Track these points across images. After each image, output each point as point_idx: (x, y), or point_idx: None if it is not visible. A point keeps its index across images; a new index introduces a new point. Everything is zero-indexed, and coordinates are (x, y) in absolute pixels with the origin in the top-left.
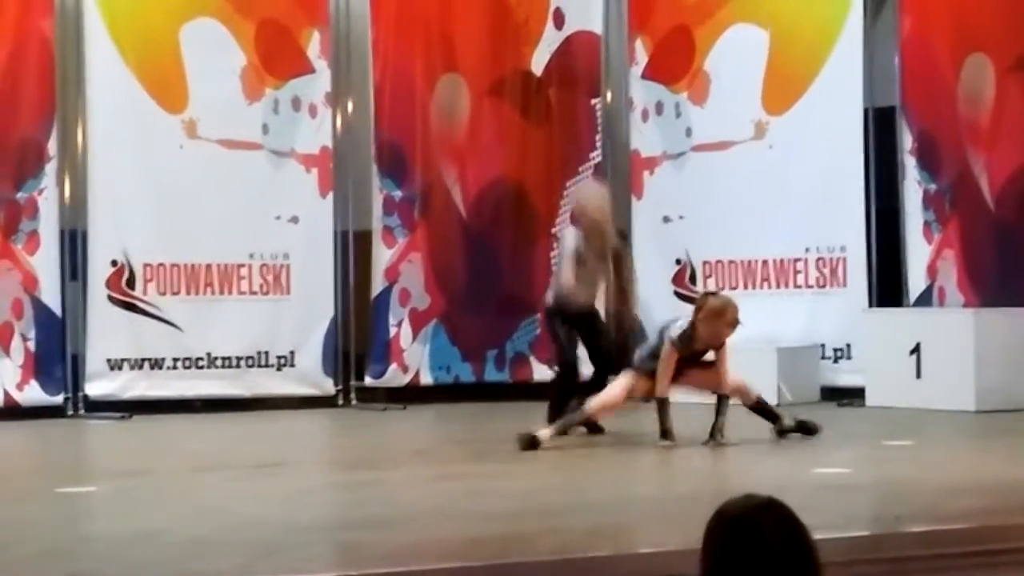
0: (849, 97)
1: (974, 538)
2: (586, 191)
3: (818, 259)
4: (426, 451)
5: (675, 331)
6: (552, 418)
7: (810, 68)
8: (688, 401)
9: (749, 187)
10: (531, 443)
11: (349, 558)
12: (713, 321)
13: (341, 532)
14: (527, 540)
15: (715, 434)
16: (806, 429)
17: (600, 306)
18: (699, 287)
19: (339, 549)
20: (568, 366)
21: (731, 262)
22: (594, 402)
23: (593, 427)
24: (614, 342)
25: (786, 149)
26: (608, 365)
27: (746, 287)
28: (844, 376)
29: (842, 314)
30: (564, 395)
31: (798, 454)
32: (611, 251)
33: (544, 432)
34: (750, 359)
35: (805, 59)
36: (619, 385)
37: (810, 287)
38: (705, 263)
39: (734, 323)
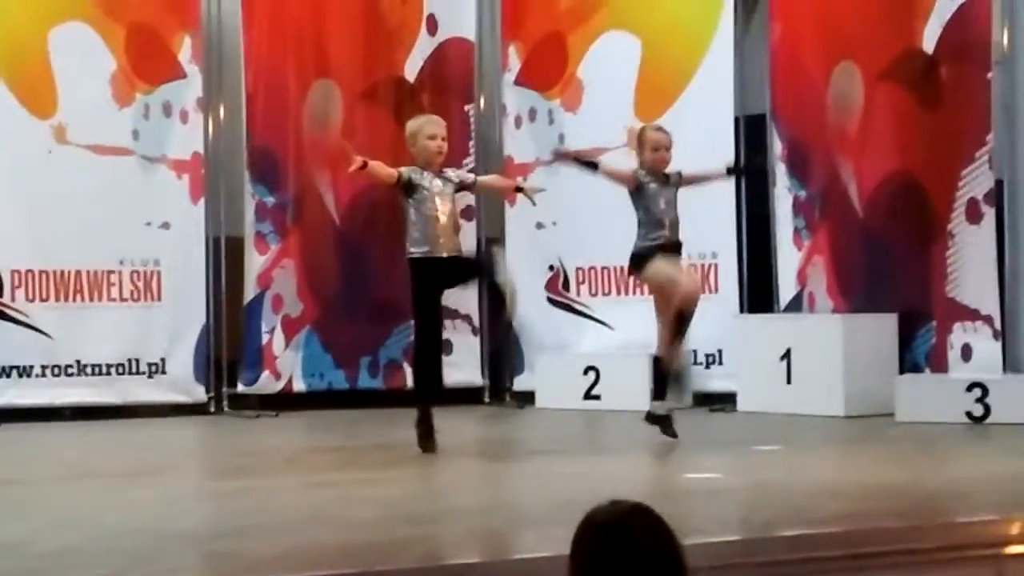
0: (720, 104)
1: (844, 541)
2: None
3: (690, 265)
4: (298, 458)
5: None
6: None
7: (682, 75)
8: (567, 407)
9: (622, 193)
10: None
11: (219, 567)
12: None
13: (211, 541)
14: (398, 547)
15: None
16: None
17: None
18: (572, 293)
19: (209, 558)
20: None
21: (604, 268)
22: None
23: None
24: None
25: None
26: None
27: (619, 293)
28: (716, 382)
29: (713, 320)
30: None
31: (668, 460)
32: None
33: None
34: (623, 365)
35: (677, 66)
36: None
37: None
38: (578, 269)
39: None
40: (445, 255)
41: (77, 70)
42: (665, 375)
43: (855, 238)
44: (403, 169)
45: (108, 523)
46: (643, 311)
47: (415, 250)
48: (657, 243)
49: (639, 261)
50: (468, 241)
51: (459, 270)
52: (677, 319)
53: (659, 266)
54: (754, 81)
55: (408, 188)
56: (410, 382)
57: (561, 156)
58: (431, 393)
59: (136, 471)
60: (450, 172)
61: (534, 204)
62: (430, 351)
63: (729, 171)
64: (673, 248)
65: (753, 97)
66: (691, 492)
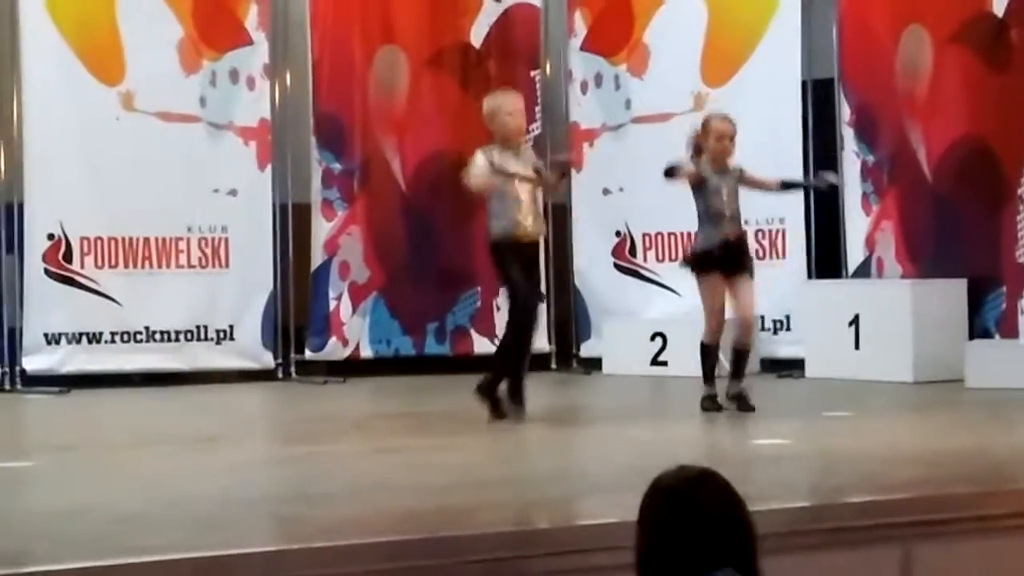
0: (787, 69)
1: (913, 508)
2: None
3: (757, 231)
4: (365, 425)
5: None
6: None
7: (749, 40)
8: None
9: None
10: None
11: (286, 532)
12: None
13: (279, 507)
14: (464, 513)
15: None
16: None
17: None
18: (639, 259)
19: (276, 523)
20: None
21: (671, 234)
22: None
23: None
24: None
25: None
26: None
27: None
28: (784, 348)
29: (781, 286)
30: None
31: (736, 426)
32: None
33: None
34: (692, 331)
35: (744, 31)
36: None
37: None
38: (645, 235)
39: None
40: (526, 240)
41: (144, 37)
42: (713, 364)
43: (924, 203)
44: (482, 155)
45: (177, 489)
46: None
47: (498, 232)
48: (718, 244)
49: (697, 263)
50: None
51: (531, 265)
52: (733, 355)
53: (710, 288)
54: (822, 45)
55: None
56: (477, 348)
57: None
58: (507, 371)
59: (204, 437)
60: (527, 150)
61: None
62: (523, 328)
63: (784, 185)
64: (736, 247)
65: (821, 61)
66: (759, 458)
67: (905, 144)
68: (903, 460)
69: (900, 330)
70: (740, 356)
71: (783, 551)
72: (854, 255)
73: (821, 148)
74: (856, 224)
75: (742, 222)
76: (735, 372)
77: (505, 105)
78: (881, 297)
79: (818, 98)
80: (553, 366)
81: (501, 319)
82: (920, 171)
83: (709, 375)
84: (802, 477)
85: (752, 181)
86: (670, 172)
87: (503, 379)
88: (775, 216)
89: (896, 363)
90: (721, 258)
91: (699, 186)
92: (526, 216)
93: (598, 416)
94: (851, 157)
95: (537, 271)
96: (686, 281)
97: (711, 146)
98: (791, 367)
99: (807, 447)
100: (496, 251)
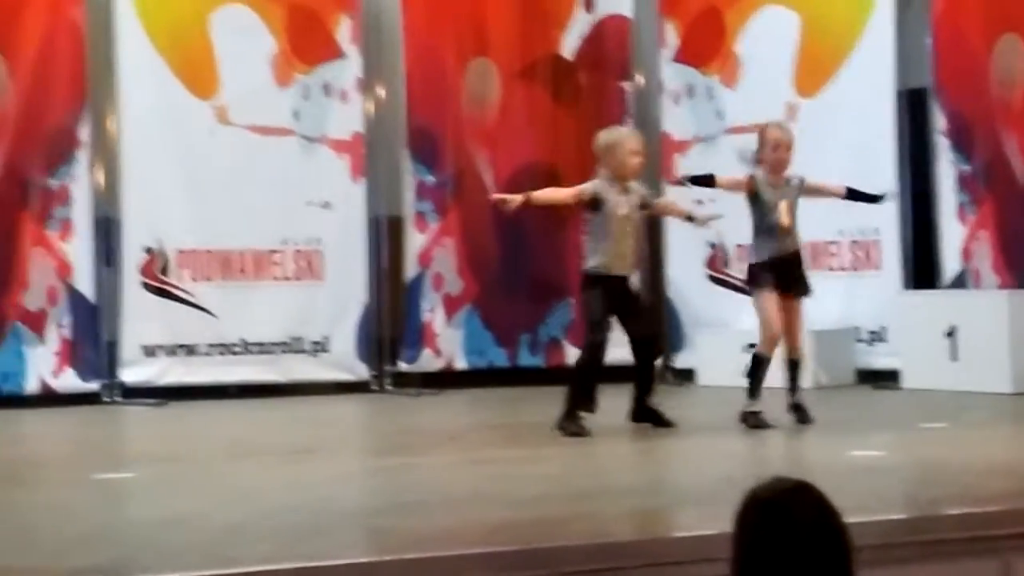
0: (881, 78)
1: (1013, 520)
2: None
3: (852, 242)
4: (459, 436)
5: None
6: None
7: (841, 50)
8: (722, 384)
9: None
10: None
11: (381, 544)
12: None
13: (374, 518)
14: (559, 525)
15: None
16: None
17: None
18: (732, 271)
19: (372, 535)
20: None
21: None
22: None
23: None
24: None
25: (818, 131)
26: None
27: None
28: (879, 359)
29: (877, 297)
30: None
31: (831, 437)
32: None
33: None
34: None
35: (837, 41)
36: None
37: (844, 270)
38: (738, 246)
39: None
40: (621, 274)
41: (238, 52)
42: (762, 378)
43: (1020, 212)
44: (588, 186)
45: (273, 500)
46: None
47: (593, 265)
48: (771, 259)
49: (751, 278)
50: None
51: (628, 303)
52: (787, 366)
53: (764, 302)
54: (915, 54)
55: (594, 204)
56: (570, 359)
57: (679, 183)
58: (583, 405)
59: (300, 449)
60: (635, 186)
61: (708, 227)
62: (594, 367)
63: (849, 193)
64: (790, 265)
65: (914, 70)
66: (855, 470)
67: (1001, 153)
68: (1001, 472)
69: (998, 341)
70: (793, 366)
71: (879, 563)
72: (950, 265)
73: (915, 158)
74: (952, 234)
75: (799, 238)
76: (791, 384)
77: (630, 143)
78: (978, 308)
79: (912, 107)
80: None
81: None
82: (1016, 180)
83: (756, 388)
84: (898, 489)
85: (816, 188)
86: (695, 180)
87: (579, 406)
88: (869, 227)
89: (994, 374)
90: (774, 274)
91: (753, 196)
92: (623, 253)
93: (692, 427)
94: (946, 166)
95: (636, 305)
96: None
97: (767, 156)
98: (887, 378)
99: (903, 459)
100: (586, 283)
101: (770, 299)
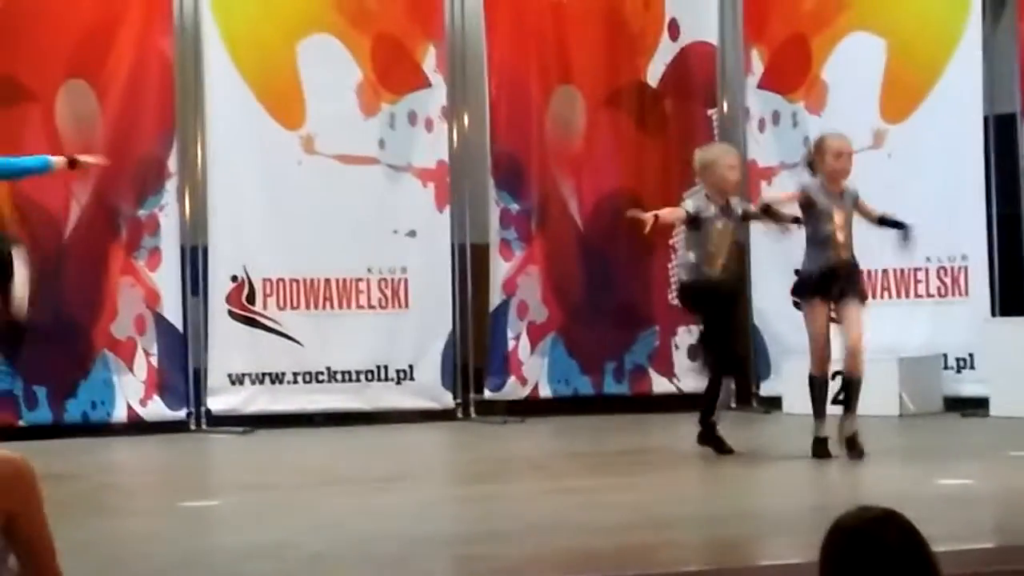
0: (969, 104)
1: None
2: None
3: (939, 268)
4: (545, 464)
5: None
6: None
7: (929, 75)
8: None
9: (868, 196)
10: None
11: (467, 572)
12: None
13: (460, 546)
14: (645, 553)
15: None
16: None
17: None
18: None
19: (457, 563)
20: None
21: None
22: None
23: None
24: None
25: (905, 157)
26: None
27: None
28: (967, 386)
29: (964, 323)
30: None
31: (919, 465)
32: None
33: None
34: (872, 370)
35: (924, 66)
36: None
37: (931, 296)
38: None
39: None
40: (720, 283)
41: (324, 81)
42: (822, 399)
43: None
44: (689, 204)
45: (359, 528)
46: (890, 314)
47: (687, 278)
48: (821, 270)
49: (800, 289)
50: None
51: (724, 315)
52: (843, 384)
53: (811, 315)
54: (1003, 80)
55: (694, 222)
56: (656, 387)
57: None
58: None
59: (385, 477)
60: (735, 202)
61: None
62: (715, 384)
63: (880, 221)
64: (843, 273)
65: (1003, 96)
66: (943, 498)
67: None
68: None
69: None
70: (850, 386)
71: None
72: None
73: (1003, 183)
74: None
75: (854, 250)
76: (846, 405)
77: (727, 158)
78: None
79: (1000, 133)
80: (733, 405)
81: (680, 358)
82: None
83: (819, 411)
84: (987, 518)
85: (863, 209)
86: (757, 216)
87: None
88: (957, 253)
89: None
90: (823, 283)
91: (808, 207)
92: (723, 266)
93: (778, 455)
94: None
95: (732, 318)
96: (866, 320)
97: (828, 164)
98: (975, 406)
99: (992, 487)
100: (686, 294)
101: (819, 311)
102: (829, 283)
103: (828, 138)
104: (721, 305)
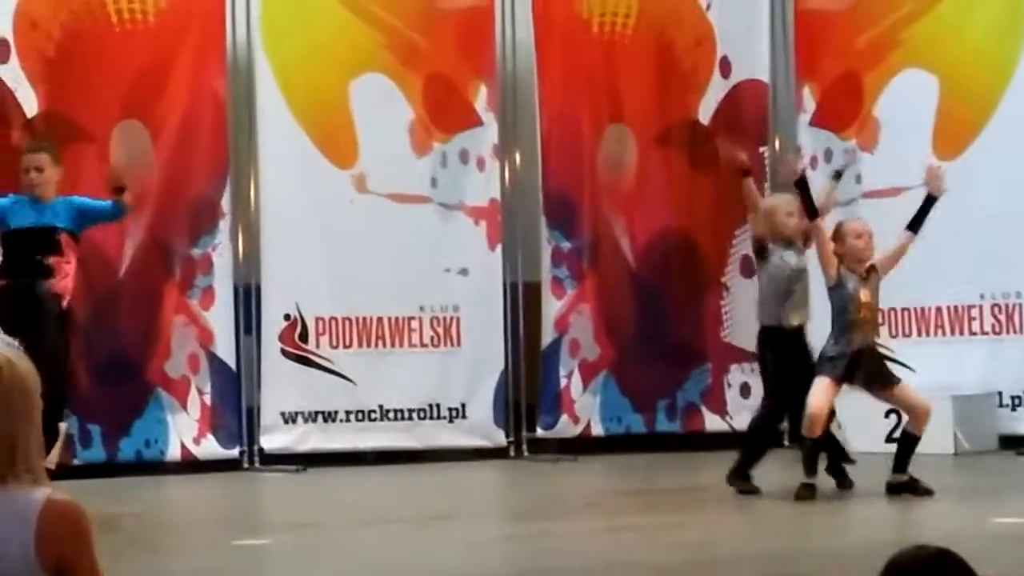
0: (1022, 140)
1: None
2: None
3: (993, 305)
4: (598, 502)
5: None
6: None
7: (982, 111)
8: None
9: (921, 233)
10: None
11: None
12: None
13: None
14: None
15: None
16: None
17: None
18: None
19: None
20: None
21: (904, 309)
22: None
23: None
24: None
25: (958, 194)
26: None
27: (920, 335)
28: (1023, 424)
29: (1019, 360)
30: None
31: (974, 503)
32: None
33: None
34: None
35: (977, 102)
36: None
37: (985, 334)
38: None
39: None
40: (789, 330)
41: (376, 120)
42: (810, 456)
43: None
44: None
45: (410, 567)
46: (944, 351)
47: (764, 320)
48: (848, 357)
49: (819, 364)
50: None
51: (795, 353)
52: (906, 441)
53: (817, 387)
54: None
55: (760, 250)
56: (708, 425)
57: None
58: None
59: (437, 515)
60: (798, 244)
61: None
62: (766, 431)
63: (913, 227)
64: (869, 357)
65: None
66: (999, 537)
67: None
68: None
69: None
70: (913, 443)
71: None
72: None
73: None
74: None
75: (877, 329)
76: (904, 461)
77: (785, 205)
78: None
79: None
80: (786, 443)
81: (732, 396)
82: None
83: (811, 470)
84: None
85: (890, 257)
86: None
87: (752, 463)
88: (1011, 290)
89: None
90: (848, 372)
91: (836, 287)
92: (794, 306)
93: (833, 494)
94: None
95: (801, 361)
96: (919, 356)
97: (849, 245)
98: None
99: None
100: (765, 343)
101: (830, 391)
102: (852, 371)
103: (847, 222)
104: (788, 349)
